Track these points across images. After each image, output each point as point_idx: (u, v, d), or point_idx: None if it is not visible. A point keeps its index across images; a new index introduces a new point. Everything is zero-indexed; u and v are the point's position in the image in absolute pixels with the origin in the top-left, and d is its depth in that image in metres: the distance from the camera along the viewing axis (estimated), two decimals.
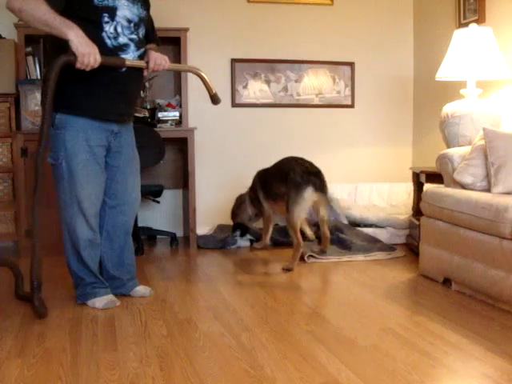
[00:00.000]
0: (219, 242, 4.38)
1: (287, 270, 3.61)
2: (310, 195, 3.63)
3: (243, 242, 4.42)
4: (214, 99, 3.04)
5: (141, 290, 3.09)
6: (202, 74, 3.00)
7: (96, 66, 2.61)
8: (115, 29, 2.74)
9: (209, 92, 3.02)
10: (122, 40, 2.76)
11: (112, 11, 2.70)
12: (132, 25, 2.79)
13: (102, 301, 2.88)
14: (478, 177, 3.22)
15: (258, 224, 4.43)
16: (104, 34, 2.72)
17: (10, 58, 4.13)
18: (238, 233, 4.41)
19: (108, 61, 2.68)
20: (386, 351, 2.25)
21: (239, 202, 4.33)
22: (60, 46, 2.60)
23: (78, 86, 2.74)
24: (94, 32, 2.67)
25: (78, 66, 2.58)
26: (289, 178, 3.68)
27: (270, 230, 4.25)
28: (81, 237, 2.86)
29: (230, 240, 4.36)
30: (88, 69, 2.60)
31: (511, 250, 2.68)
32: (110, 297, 2.92)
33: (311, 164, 3.77)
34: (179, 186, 4.78)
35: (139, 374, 2.05)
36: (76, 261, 2.90)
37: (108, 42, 2.73)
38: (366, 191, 4.99)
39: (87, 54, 2.56)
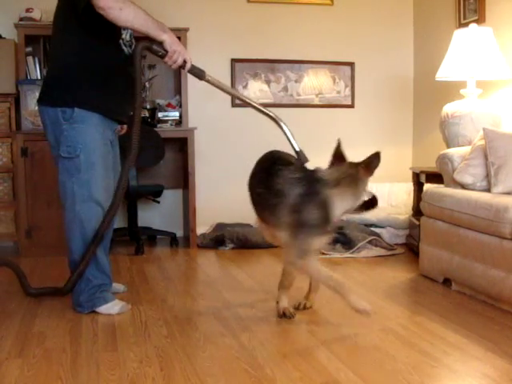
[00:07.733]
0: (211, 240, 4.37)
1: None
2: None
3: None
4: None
5: (115, 286, 3.06)
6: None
7: (183, 65, 2.59)
8: (130, 36, 2.74)
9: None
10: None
11: None
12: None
13: (115, 306, 2.77)
14: (478, 177, 3.22)
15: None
16: (121, 41, 2.71)
17: (10, 58, 4.13)
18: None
19: (194, 68, 2.65)
20: (386, 351, 2.25)
21: None
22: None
23: (96, 84, 2.68)
24: (112, 38, 2.65)
25: (166, 59, 2.56)
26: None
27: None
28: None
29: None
30: (174, 67, 2.59)
31: (511, 249, 2.68)
32: (117, 300, 2.81)
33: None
34: (179, 186, 4.78)
35: (139, 374, 2.05)
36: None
37: (125, 49, 2.73)
38: None
39: (178, 51, 2.55)
